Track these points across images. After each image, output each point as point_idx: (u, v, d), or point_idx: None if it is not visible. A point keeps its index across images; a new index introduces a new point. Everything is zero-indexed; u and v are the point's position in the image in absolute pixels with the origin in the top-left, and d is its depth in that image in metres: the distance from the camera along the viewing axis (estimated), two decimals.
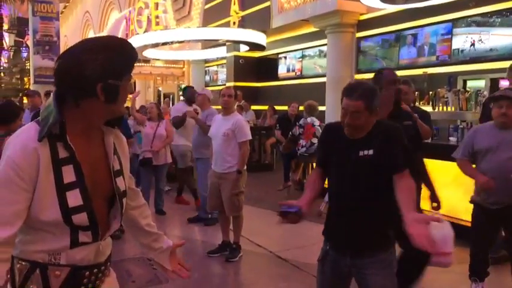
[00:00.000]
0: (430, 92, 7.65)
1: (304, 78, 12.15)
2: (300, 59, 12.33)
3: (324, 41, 10.60)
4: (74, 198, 1.32)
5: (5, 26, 24.31)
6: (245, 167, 4.58)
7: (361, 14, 9.77)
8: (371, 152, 2.05)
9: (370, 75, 9.57)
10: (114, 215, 1.46)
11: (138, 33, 14.91)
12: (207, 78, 17.22)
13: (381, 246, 2.13)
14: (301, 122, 6.99)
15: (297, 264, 4.35)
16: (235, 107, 6.53)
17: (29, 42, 19.20)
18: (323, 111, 9.69)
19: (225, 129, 4.49)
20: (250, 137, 4.59)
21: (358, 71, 10.18)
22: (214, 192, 4.58)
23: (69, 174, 1.32)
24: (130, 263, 4.47)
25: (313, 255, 4.46)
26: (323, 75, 10.81)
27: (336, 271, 2.19)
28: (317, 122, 6.91)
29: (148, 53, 15.21)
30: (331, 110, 9.91)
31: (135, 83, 23.26)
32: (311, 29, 11.02)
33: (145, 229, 1.70)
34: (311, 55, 12.01)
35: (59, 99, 1.32)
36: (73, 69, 1.30)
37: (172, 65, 18.14)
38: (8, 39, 30.83)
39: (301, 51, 12.22)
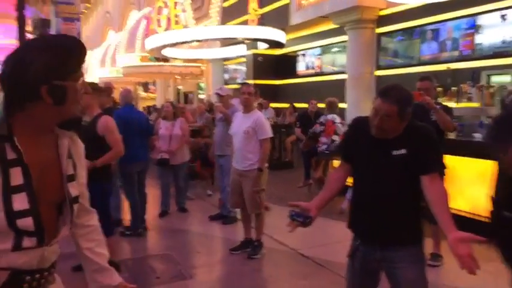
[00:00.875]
0: (454, 88, 7.54)
1: (323, 75, 12.09)
2: (320, 56, 12.27)
3: (344, 38, 10.52)
4: (20, 201, 1.25)
5: (29, 28, 24.77)
6: (266, 165, 4.58)
7: (381, 9, 9.66)
8: (403, 151, 2.03)
9: (391, 72, 9.52)
10: (64, 221, 1.38)
11: (157, 33, 15.04)
12: (226, 76, 17.29)
13: (411, 239, 2.13)
14: (321, 119, 6.94)
15: (319, 262, 4.34)
16: (255, 104, 6.54)
17: None
18: (343, 109, 9.64)
19: (246, 126, 4.50)
20: (271, 135, 4.60)
21: (379, 68, 10.08)
22: (236, 189, 4.60)
23: (16, 177, 1.25)
24: (155, 260, 4.54)
25: (335, 253, 4.48)
26: (343, 72, 10.75)
27: (366, 266, 2.20)
28: (338, 119, 6.84)
29: (167, 52, 15.34)
30: (352, 107, 9.85)
31: (154, 82, 23.52)
32: (330, 25, 10.95)
33: (85, 254, 1.54)
34: (331, 52, 11.94)
35: (7, 102, 1.28)
36: (15, 72, 1.25)
37: (191, 64, 18.26)
38: None
39: (320, 48, 12.16)
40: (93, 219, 1.59)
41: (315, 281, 3.97)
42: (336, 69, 11.53)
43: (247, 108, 4.64)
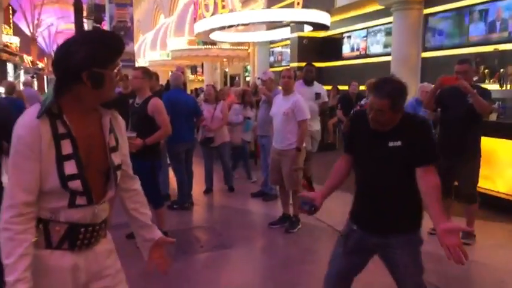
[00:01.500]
0: (502, 70, 7.37)
1: (368, 57, 12.01)
2: (365, 38, 12.17)
3: (390, 19, 10.40)
4: (70, 167, 1.51)
5: (84, 13, 25.86)
6: (304, 144, 4.81)
7: None
8: (399, 143, 2.11)
9: (439, 53, 9.36)
10: (110, 185, 1.66)
11: (205, 17, 15.38)
12: (272, 59, 17.44)
13: (409, 226, 2.22)
14: (362, 101, 7.02)
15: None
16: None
17: (106, 28, 20.38)
18: None
19: (285, 108, 4.73)
20: (308, 116, 4.79)
21: (425, 49, 9.92)
22: (275, 167, 4.87)
23: (66, 147, 1.51)
24: (199, 231, 4.93)
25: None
26: (388, 54, 10.65)
27: (359, 247, 2.29)
28: None
29: (215, 36, 15.66)
30: None
31: (202, 65, 24.03)
32: (376, 6, 10.85)
33: (131, 213, 1.82)
34: (376, 33, 11.81)
35: (58, 85, 1.53)
36: (62, 59, 1.51)
37: (238, 47, 18.52)
38: (86, 26, 32.73)
39: (366, 29, 12.05)
40: (136, 184, 1.86)
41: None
42: (381, 51, 11.41)
43: (287, 91, 4.87)
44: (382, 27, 11.45)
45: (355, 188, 2.35)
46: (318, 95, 5.92)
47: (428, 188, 2.09)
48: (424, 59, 9.89)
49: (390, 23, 10.45)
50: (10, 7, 51.65)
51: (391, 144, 2.13)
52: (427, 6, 9.76)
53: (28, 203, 1.48)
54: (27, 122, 1.48)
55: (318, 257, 4.21)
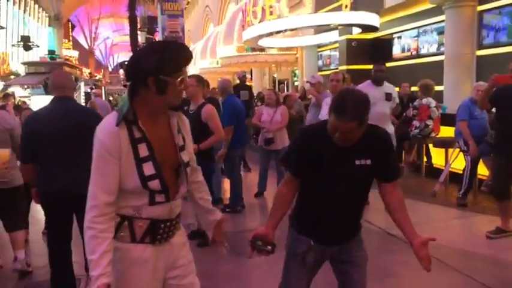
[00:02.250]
0: None
1: (420, 57, 11.72)
2: (416, 38, 11.89)
3: (442, 17, 10.12)
4: (148, 168, 1.67)
5: (138, 25, 27.02)
6: None
7: None
8: (369, 161, 1.99)
9: (495, 51, 9.00)
10: (182, 181, 1.82)
11: (253, 24, 15.60)
12: (320, 63, 17.39)
13: (360, 228, 2.23)
14: (415, 103, 6.87)
15: (406, 240, 4.48)
16: None
17: (158, 39, 21.12)
18: (440, 92, 9.35)
19: None
20: None
21: (481, 47, 9.56)
22: None
23: (143, 150, 1.67)
24: (251, 233, 5.03)
25: (423, 232, 4.58)
26: (441, 54, 10.36)
27: (319, 261, 2.22)
28: (433, 103, 6.69)
29: (263, 42, 15.84)
30: (450, 89, 9.51)
31: (251, 71, 24.34)
32: (427, 5, 10.58)
33: (198, 202, 2.03)
34: (428, 33, 11.51)
35: (131, 93, 1.69)
36: (133, 65, 1.68)
37: (286, 52, 18.61)
38: (140, 37, 34.03)
39: (417, 29, 11.78)
40: (200, 175, 2.04)
41: (401, 256, 4.13)
42: (433, 51, 11.10)
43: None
44: (434, 26, 11.13)
45: (305, 202, 2.17)
46: (388, 96, 5.47)
47: (398, 203, 2.07)
48: (479, 57, 9.53)
49: (442, 21, 10.15)
50: (69, 22, 54.61)
51: (357, 162, 1.99)
52: (481, 3, 9.41)
53: (109, 203, 1.64)
54: (107, 129, 1.64)
55: (369, 258, 4.20)
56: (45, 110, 3.25)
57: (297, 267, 2.19)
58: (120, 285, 1.70)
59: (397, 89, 9.01)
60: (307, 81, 6.22)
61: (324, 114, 4.95)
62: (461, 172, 5.86)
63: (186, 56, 1.71)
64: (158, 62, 1.61)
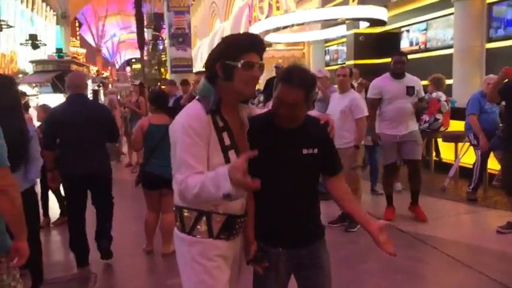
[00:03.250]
0: None
1: (429, 51, 11.59)
2: (425, 31, 11.77)
3: (451, 10, 10.00)
4: (233, 156, 1.71)
5: (144, 23, 27.06)
6: (362, 142, 4.77)
7: None
8: (316, 150, 1.90)
9: (505, 43, 8.86)
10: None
11: (260, 19, 15.56)
12: (327, 57, 17.30)
13: (323, 228, 2.09)
14: (426, 96, 6.77)
15: (417, 236, 4.46)
16: (356, 84, 6.65)
17: (165, 36, 21.14)
18: (449, 85, 9.25)
19: (342, 106, 4.72)
20: (366, 113, 4.75)
21: (490, 40, 9.43)
22: None
23: (226, 139, 1.73)
24: None
25: (433, 228, 4.59)
26: (450, 47, 10.25)
27: (290, 268, 2.01)
28: (443, 97, 6.59)
29: (270, 38, 15.79)
30: (459, 83, 9.40)
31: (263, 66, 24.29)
32: None
33: None
34: (437, 26, 11.38)
35: (210, 83, 1.75)
36: (208, 57, 1.77)
37: (293, 47, 18.57)
38: (146, 34, 34.09)
39: (425, 22, 11.65)
40: None
41: (412, 252, 4.12)
42: (442, 44, 10.99)
43: (343, 89, 4.86)
44: (443, 19, 11.00)
45: (260, 202, 1.93)
46: (410, 90, 4.86)
47: (347, 195, 2.02)
48: (488, 50, 9.41)
49: (451, 14, 10.04)
50: (77, 21, 54.85)
51: (304, 151, 1.89)
52: None
53: (202, 172, 1.64)
54: (199, 117, 1.69)
55: (379, 256, 4.14)
56: (65, 105, 3.86)
57: (269, 280, 1.97)
58: (200, 278, 1.75)
59: None
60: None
61: (332, 108, 4.91)
62: (471, 167, 5.80)
63: (249, 40, 1.74)
64: (223, 48, 1.72)
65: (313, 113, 2.05)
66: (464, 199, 5.65)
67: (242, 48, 1.70)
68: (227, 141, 1.73)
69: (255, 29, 14.98)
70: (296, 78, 1.79)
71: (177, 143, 1.70)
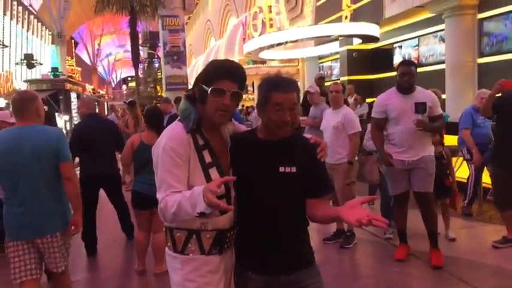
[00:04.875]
0: None
1: (421, 66, 11.70)
2: (417, 47, 11.90)
3: (442, 26, 10.14)
4: (214, 174, 1.74)
5: (140, 41, 27.28)
6: (356, 158, 4.76)
7: None
8: (294, 169, 1.80)
9: (496, 58, 8.95)
10: (232, 187, 1.83)
11: (254, 37, 15.70)
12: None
13: (310, 255, 1.93)
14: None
15: (411, 251, 4.41)
16: (352, 101, 6.68)
17: (160, 54, 21.26)
18: (442, 100, 9.31)
19: (335, 122, 4.72)
20: (360, 129, 4.74)
21: (482, 55, 9.54)
22: None
23: (207, 157, 1.75)
24: None
25: (428, 243, 4.51)
26: (442, 62, 10.36)
27: None
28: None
29: (264, 55, 15.93)
30: (452, 97, 9.49)
31: (253, 83, 24.48)
32: (427, 14, 10.62)
33: None
34: (428, 42, 11.52)
35: (192, 103, 1.78)
36: (194, 82, 1.84)
37: (287, 64, 18.70)
38: (142, 53, 34.31)
39: (417, 38, 11.79)
40: None
41: (407, 268, 4.07)
42: (434, 59, 11.11)
43: (336, 105, 4.86)
44: (434, 35, 11.15)
45: (240, 222, 1.88)
46: (420, 107, 3.98)
47: (324, 217, 1.81)
48: (480, 65, 9.52)
49: (442, 30, 10.17)
50: (72, 40, 55.17)
51: (281, 169, 1.80)
52: (481, 11, 9.42)
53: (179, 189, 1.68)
54: (178, 137, 1.73)
55: (375, 272, 4.13)
56: (85, 122, 5.02)
57: None
58: None
59: None
60: (306, 90, 6.20)
61: (325, 124, 4.91)
62: (465, 181, 5.79)
63: (225, 67, 1.77)
64: (203, 72, 1.77)
65: (308, 135, 2.01)
66: (460, 214, 5.63)
67: (216, 75, 1.73)
68: (208, 159, 1.75)
69: (249, 46, 15.11)
70: (287, 84, 1.81)
71: (158, 163, 1.73)
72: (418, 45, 11.86)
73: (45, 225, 2.78)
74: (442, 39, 10.45)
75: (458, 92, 9.33)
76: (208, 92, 1.70)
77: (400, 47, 12.68)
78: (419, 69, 11.47)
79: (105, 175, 4.85)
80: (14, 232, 2.79)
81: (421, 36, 11.64)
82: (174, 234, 1.79)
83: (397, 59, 12.83)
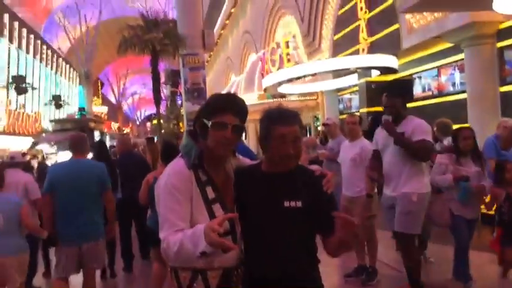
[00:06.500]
0: None
1: (442, 96, 11.56)
2: (436, 77, 11.79)
3: (461, 56, 10.04)
4: (218, 210, 1.70)
5: (162, 79, 27.99)
6: (375, 190, 4.63)
7: (501, 22, 9.05)
8: (299, 204, 1.74)
9: None
10: (238, 223, 1.78)
11: (272, 72, 15.89)
12: (341, 106, 17.39)
13: (320, 280, 1.88)
14: (438, 148, 6.41)
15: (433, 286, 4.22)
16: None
17: (182, 91, 21.67)
18: None
19: (353, 154, 4.64)
20: None
21: (504, 83, 9.36)
22: None
23: (210, 193, 1.71)
24: None
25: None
26: (463, 92, 10.20)
27: None
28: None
29: (283, 89, 16.04)
30: (475, 128, 9.17)
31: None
32: (446, 44, 10.55)
33: None
34: (448, 72, 11.40)
35: (194, 138, 1.76)
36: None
37: (306, 98, 18.76)
38: (165, 90, 35.08)
39: (436, 68, 11.70)
40: None
41: None
42: (454, 89, 10.96)
43: (353, 137, 4.81)
44: (454, 65, 11.04)
45: (247, 257, 1.83)
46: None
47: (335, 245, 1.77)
48: (503, 93, 9.32)
49: (462, 59, 10.07)
50: (99, 80, 57.05)
51: (286, 203, 1.74)
52: (501, 39, 9.31)
53: (181, 227, 1.63)
54: (180, 173, 1.70)
55: None
56: (121, 158, 5.96)
57: None
58: None
59: None
60: (324, 123, 6.17)
61: (343, 156, 4.83)
62: (492, 213, 5.55)
63: (225, 100, 1.77)
64: (203, 106, 1.77)
65: (314, 167, 1.96)
66: (488, 248, 5.36)
67: (216, 108, 1.72)
68: (211, 195, 1.71)
69: (268, 81, 15.26)
70: (289, 117, 1.78)
71: (160, 201, 1.70)
72: (437, 75, 11.75)
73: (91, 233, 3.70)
74: (463, 69, 10.33)
75: (482, 121, 9.09)
76: (209, 126, 1.68)
77: (420, 77, 12.58)
78: (440, 100, 11.26)
79: (135, 199, 4.68)
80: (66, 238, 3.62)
81: (440, 66, 11.54)
82: (179, 275, 1.74)
83: (417, 90, 12.71)
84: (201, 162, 1.72)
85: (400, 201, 3.77)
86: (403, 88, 12.83)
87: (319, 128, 19.37)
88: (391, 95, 3.99)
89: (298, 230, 1.77)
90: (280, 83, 14.77)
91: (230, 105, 1.73)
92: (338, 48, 15.88)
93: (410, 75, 12.89)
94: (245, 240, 1.81)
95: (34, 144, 17.82)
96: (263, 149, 1.84)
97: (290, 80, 14.47)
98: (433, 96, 11.90)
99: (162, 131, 30.87)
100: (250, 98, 19.67)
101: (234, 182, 1.85)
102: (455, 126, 6.70)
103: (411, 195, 3.71)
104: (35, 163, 9.67)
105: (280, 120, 1.76)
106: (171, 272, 1.78)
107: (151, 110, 69.26)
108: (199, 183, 1.70)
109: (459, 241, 4.07)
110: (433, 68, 11.76)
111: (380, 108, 11.89)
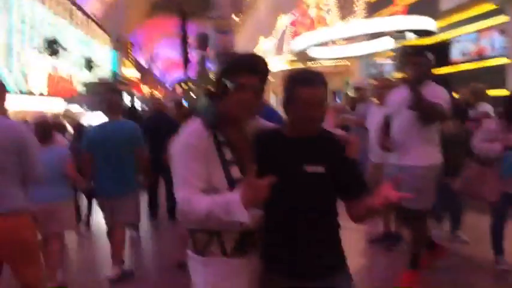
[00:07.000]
0: None
1: (481, 60, 11.02)
2: (476, 41, 11.22)
3: (503, 18, 9.49)
4: (234, 171, 1.67)
5: (191, 41, 27.94)
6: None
7: None
8: (321, 169, 1.69)
9: None
10: None
11: (303, 34, 15.52)
12: (374, 71, 16.93)
13: (342, 260, 1.83)
14: (471, 114, 6.10)
15: (464, 256, 4.15)
16: None
17: (209, 54, 21.60)
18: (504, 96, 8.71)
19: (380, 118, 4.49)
20: None
21: None
22: (372, 182, 4.62)
23: (228, 154, 1.68)
24: None
25: (478, 248, 4.20)
26: (503, 56, 9.70)
27: None
28: (492, 110, 5.98)
29: (314, 52, 15.68)
30: None
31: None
32: (487, 7, 9.98)
33: None
34: (489, 35, 10.82)
35: (211, 99, 1.73)
36: (215, 77, 1.75)
37: (338, 62, 18.35)
38: (195, 54, 35.06)
39: (476, 32, 11.12)
40: None
41: (460, 274, 3.87)
42: (495, 53, 10.42)
43: (381, 102, 4.65)
44: (495, 28, 10.45)
45: (268, 225, 1.77)
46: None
47: (363, 211, 1.74)
48: None
49: (504, 22, 9.51)
50: (130, 44, 57.44)
51: (309, 169, 1.69)
52: None
53: (203, 189, 1.61)
54: (197, 133, 1.67)
55: (424, 276, 3.88)
56: (152, 118, 6.37)
57: None
58: None
59: (456, 95, 8.41)
60: (355, 87, 5.98)
61: (369, 121, 4.70)
62: None
63: (248, 61, 1.70)
64: (225, 66, 1.70)
65: (339, 131, 1.88)
66: None
67: (238, 69, 1.67)
68: (228, 157, 1.68)
69: (298, 44, 14.91)
70: (315, 79, 1.70)
71: (176, 160, 1.67)
72: (477, 38, 11.18)
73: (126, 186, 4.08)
74: (503, 32, 9.77)
75: None
76: (230, 86, 1.63)
77: (458, 41, 12.01)
78: (479, 64, 10.81)
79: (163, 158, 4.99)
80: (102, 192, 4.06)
81: (480, 29, 10.95)
82: (194, 235, 1.73)
83: (455, 54, 12.17)
84: (219, 123, 1.69)
85: (406, 175, 3.17)
86: (436, 49, 12.31)
87: (349, 93, 19.03)
88: (421, 53, 3.66)
89: (319, 195, 1.73)
90: (311, 46, 14.43)
91: (254, 67, 1.67)
92: (373, 10, 15.29)
93: (449, 38, 12.34)
94: (264, 205, 1.69)
95: (68, 106, 18.28)
96: (286, 112, 1.77)
97: (321, 44, 14.11)
98: (471, 60, 11.37)
99: (192, 95, 31.18)
100: (280, 63, 19.40)
101: (253, 144, 1.79)
102: (493, 92, 6.40)
103: (416, 169, 3.33)
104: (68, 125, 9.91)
105: (304, 81, 1.69)
106: (189, 233, 1.77)
107: (181, 74, 69.67)
108: (217, 144, 1.67)
109: (500, 216, 3.82)
110: (473, 31, 11.19)
111: None
